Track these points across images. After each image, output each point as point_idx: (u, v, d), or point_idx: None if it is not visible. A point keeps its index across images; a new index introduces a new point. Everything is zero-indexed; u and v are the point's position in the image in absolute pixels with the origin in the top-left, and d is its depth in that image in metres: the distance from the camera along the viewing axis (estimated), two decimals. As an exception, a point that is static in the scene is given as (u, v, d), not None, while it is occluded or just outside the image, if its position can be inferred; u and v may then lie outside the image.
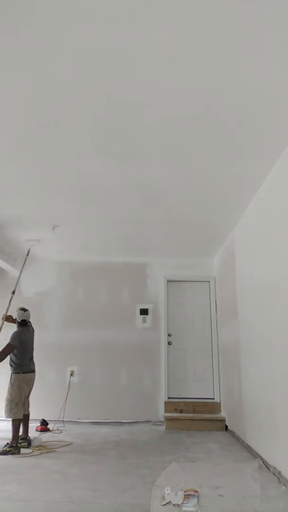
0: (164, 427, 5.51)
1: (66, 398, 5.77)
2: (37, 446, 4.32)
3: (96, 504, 2.68)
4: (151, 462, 3.72)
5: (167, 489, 2.74)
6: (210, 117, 2.76)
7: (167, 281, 6.47)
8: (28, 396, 4.52)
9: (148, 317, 6.30)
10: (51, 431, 5.24)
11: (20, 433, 4.35)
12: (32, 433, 4.88)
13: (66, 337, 6.14)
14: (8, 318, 4.75)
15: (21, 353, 4.48)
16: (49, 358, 5.87)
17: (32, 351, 4.68)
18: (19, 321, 4.68)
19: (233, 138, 3.01)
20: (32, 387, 4.58)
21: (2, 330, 4.52)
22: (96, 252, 6.25)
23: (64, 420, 5.62)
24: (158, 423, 5.73)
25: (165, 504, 2.60)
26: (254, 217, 4.13)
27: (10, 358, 4.48)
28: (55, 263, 6.48)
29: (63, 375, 6.02)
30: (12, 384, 4.37)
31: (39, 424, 5.30)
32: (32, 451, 4.16)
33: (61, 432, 5.21)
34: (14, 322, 4.78)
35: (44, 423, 5.35)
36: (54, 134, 2.99)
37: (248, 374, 4.30)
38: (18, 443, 4.23)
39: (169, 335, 6.26)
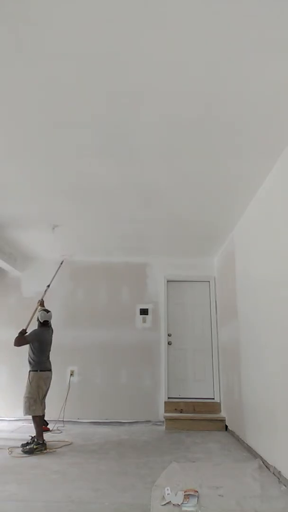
0: (164, 427, 5.51)
1: (66, 398, 5.77)
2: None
3: (96, 504, 2.68)
4: (151, 462, 3.72)
5: (167, 489, 2.74)
6: (210, 117, 2.76)
7: (167, 281, 6.47)
8: (45, 395, 4.53)
9: (148, 317, 6.30)
10: (51, 431, 5.24)
11: (33, 434, 4.37)
12: (33, 433, 4.87)
13: (66, 337, 6.13)
14: (42, 303, 5.10)
15: (39, 351, 4.56)
16: (49, 358, 5.87)
17: (49, 351, 4.75)
18: (42, 321, 4.77)
19: (233, 138, 3.01)
20: (49, 386, 4.60)
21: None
22: (96, 252, 6.25)
23: (64, 420, 5.62)
24: (158, 423, 5.73)
25: (165, 504, 2.60)
26: (254, 217, 4.13)
27: (29, 355, 4.56)
28: (55, 263, 6.47)
29: (63, 375, 6.01)
30: (30, 381, 4.42)
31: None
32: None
33: (61, 432, 5.21)
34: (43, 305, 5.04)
35: (44, 423, 5.34)
36: (54, 134, 2.99)
37: (248, 374, 4.30)
38: (29, 443, 4.27)
39: (169, 335, 6.26)
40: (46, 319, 4.78)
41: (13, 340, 4.50)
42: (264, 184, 3.73)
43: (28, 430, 5.19)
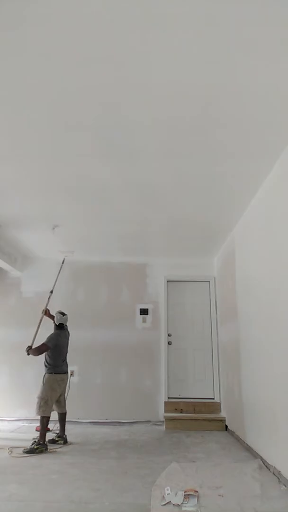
0: (164, 427, 5.51)
1: (66, 398, 5.76)
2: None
3: (96, 504, 2.68)
4: (151, 462, 3.72)
5: (167, 489, 2.74)
6: (210, 118, 2.76)
7: (167, 281, 6.46)
8: (62, 394, 4.67)
9: (148, 317, 6.30)
10: (51, 431, 5.22)
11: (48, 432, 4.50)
12: (32, 433, 4.88)
13: (66, 337, 6.13)
14: (47, 312, 4.99)
15: (55, 354, 4.63)
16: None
17: (66, 353, 4.82)
18: (57, 324, 4.83)
19: (233, 138, 3.01)
20: (65, 387, 4.72)
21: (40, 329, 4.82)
22: (96, 252, 6.25)
23: (64, 420, 5.61)
24: (158, 423, 5.73)
25: (165, 504, 2.60)
26: (254, 217, 4.13)
27: (45, 359, 4.64)
28: (55, 263, 6.47)
29: (63, 375, 6.01)
30: (44, 383, 4.50)
31: (38, 424, 5.28)
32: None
33: (61, 432, 5.20)
34: (52, 318, 4.94)
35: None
36: (54, 134, 2.99)
37: (248, 374, 4.30)
38: (56, 440, 4.48)
39: (169, 335, 6.26)
40: (61, 322, 4.84)
41: (28, 351, 4.57)
42: (264, 184, 3.73)
43: (28, 430, 5.21)
